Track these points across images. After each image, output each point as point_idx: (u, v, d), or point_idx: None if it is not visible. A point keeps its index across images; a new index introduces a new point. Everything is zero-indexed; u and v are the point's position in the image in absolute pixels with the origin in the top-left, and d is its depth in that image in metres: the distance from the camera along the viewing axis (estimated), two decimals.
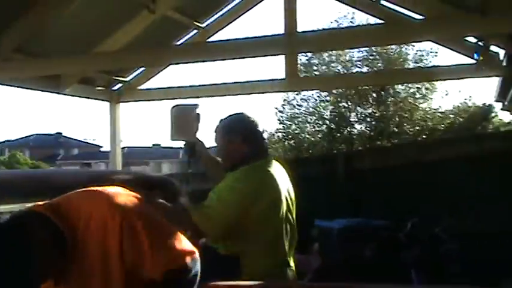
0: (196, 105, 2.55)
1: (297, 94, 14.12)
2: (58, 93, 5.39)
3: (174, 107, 2.59)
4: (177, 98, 6.36)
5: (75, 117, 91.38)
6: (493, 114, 14.76)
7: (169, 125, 2.57)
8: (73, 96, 5.69)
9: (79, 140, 46.30)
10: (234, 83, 5.97)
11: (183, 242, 1.67)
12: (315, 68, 13.86)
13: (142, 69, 6.17)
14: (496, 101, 7.26)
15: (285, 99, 14.61)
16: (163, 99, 6.38)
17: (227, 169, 2.44)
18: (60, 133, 46.77)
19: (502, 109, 7.55)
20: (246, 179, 2.33)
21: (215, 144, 2.53)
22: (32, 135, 45.56)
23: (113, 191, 1.66)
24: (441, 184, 5.27)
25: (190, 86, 6.10)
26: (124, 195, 1.66)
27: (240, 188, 2.30)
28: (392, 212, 4.99)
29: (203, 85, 6.07)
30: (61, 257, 1.56)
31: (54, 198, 1.64)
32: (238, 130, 2.45)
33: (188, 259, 1.63)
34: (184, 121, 2.54)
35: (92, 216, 1.59)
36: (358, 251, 4.28)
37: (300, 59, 13.72)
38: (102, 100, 6.09)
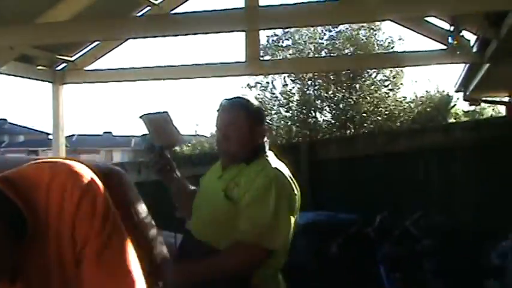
0: (166, 112, 2.46)
1: (261, 79, 13.82)
2: None
3: (142, 116, 2.42)
4: (127, 81, 6.00)
5: (21, 102, 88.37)
6: (451, 104, 14.97)
7: (148, 132, 2.43)
8: (10, 75, 5.23)
9: (25, 127, 44.75)
10: (191, 65, 5.66)
11: (138, 273, 1.29)
12: (283, 50, 13.61)
13: (89, 48, 5.76)
14: (456, 91, 7.29)
15: (248, 84, 14.27)
16: (112, 81, 6.01)
17: (239, 159, 2.16)
18: (5, 119, 45.10)
19: (464, 99, 7.57)
20: (283, 177, 2.13)
21: (219, 128, 2.22)
22: None
23: (78, 164, 1.29)
24: (412, 175, 5.15)
25: (142, 68, 5.74)
26: (90, 173, 1.29)
27: (287, 189, 2.12)
28: (359, 205, 4.82)
29: (157, 67, 5.72)
30: (20, 245, 1.18)
31: None
32: (262, 115, 2.26)
33: None
34: (162, 127, 2.42)
35: (51, 187, 1.22)
36: (324, 247, 4.08)
37: (268, 40, 13.51)
38: (44, 81, 5.64)
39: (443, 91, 14.76)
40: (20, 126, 44.95)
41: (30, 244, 1.20)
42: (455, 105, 14.79)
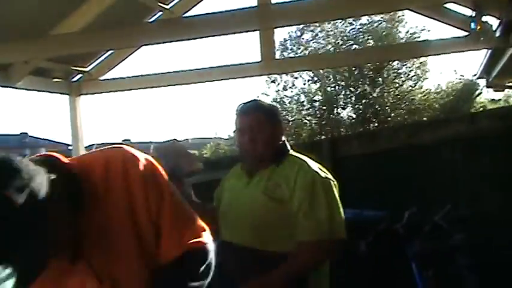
0: (174, 139, 2.56)
1: (281, 78, 13.77)
2: (8, 87, 4.98)
3: (153, 147, 2.52)
4: (144, 88, 6.00)
5: (40, 115, 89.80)
6: (476, 93, 14.69)
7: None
8: (27, 90, 5.27)
9: (46, 139, 45.43)
10: (206, 68, 5.64)
11: (200, 220, 1.49)
12: (302, 47, 13.55)
13: (103, 57, 5.78)
14: (478, 78, 7.15)
15: (269, 80, 14.18)
16: (128, 90, 6.01)
17: (267, 161, 2.24)
18: (26, 133, 45.95)
19: (487, 86, 7.44)
20: (320, 171, 2.22)
21: (243, 133, 2.27)
22: None
23: (126, 146, 1.43)
24: (435, 168, 5.04)
25: (157, 74, 5.73)
26: (139, 152, 1.43)
27: (328, 181, 2.23)
28: (385, 201, 4.74)
29: (172, 72, 5.71)
30: (79, 217, 1.25)
31: None
32: (278, 113, 2.36)
33: (207, 241, 1.48)
34: (175, 155, 2.44)
35: (110, 161, 1.33)
36: (352, 246, 4.01)
37: (289, 36, 13.42)
38: (61, 93, 5.68)
39: (469, 79, 14.52)
40: (41, 139, 45.66)
41: (93, 219, 1.28)
42: (480, 93, 14.53)
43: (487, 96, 14.49)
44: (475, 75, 6.84)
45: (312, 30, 13.58)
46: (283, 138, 2.32)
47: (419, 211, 4.23)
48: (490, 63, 5.89)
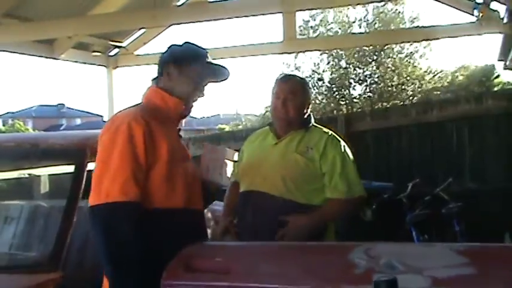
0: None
1: (295, 57, 13.82)
2: (53, 58, 5.21)
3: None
4: None
5: (77, 87, 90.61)
6: (495, 75, 14.40)
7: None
8: (68, 61, 5.50)
9: (81, 110, 45.99)
10: (230, 47, 5.78)
11: None
12: (311, 30, 13.54)
13: (139, 33, 5.96)
14: (499, 60, 7.07)
15: (283, 63, 14.27)
16: None
17: (296, 126, 2.41)
18: (63, 104, 46.43)
19: (504, 68, 7.35)
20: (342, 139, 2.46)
21: (278, 97, 2.42)
22: (34, 107, 45.31)
23: None
24: (441, 145, 5.15)
25: None
26: None
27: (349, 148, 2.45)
28: (394, 174, 4.89)
29: None
30: None
31: None
32: (309, 89, 2.59)
33: None
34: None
35: None
36: (359, 213, 4.18)
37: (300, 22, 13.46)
38: (99, 65, 5.90)
39: (477, 65, 14.28)
40: (76, 110, 46.19)
41: None
42: (498, 75, 14.24)
43: (508, 78, 14.16)
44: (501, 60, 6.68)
45: (320, 14, 13.56)
46: (309, 110, 2.50)
47: (423, 183, 4.37)
48: (504, 46, 5.83)
